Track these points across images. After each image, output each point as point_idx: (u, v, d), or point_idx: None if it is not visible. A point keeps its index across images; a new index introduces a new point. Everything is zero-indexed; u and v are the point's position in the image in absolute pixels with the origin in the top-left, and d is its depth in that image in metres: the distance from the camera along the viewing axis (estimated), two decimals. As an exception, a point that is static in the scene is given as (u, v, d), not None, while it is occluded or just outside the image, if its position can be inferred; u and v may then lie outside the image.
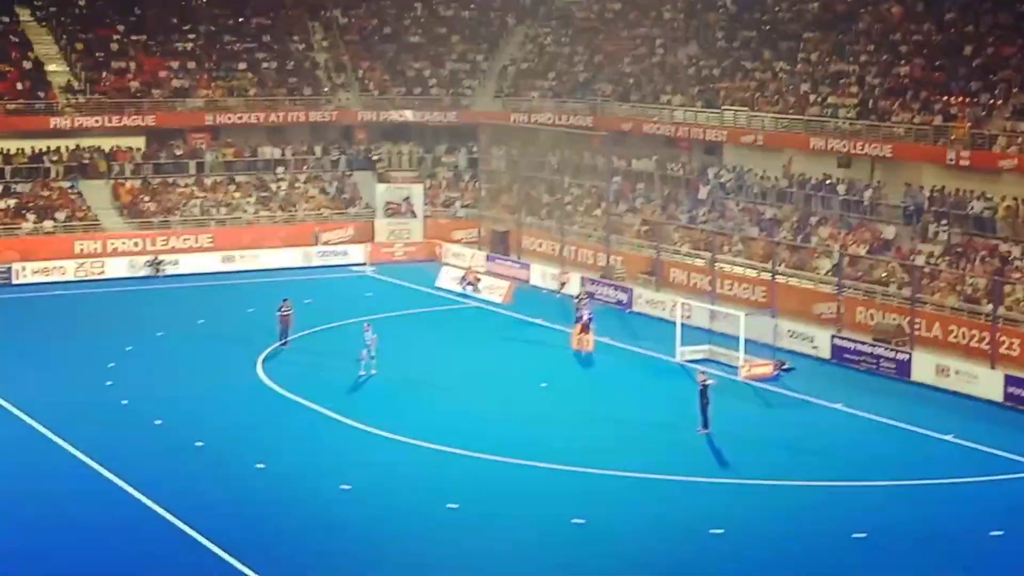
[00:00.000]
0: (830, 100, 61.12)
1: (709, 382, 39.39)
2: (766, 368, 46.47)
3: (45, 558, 30.13)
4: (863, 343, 48.24)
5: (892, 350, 47.24)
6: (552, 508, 33.43)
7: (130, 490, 34.09)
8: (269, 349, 48.69)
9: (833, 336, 49.14)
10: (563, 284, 59.58)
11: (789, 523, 32.85)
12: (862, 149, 57.88)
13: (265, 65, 74.89)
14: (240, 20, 77.18)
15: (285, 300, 49.82)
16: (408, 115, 74.66)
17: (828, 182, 59.89)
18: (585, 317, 50.02)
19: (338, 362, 46.81)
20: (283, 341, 49.30)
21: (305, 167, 72.87)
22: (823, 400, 43.52)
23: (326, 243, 67.10)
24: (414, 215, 69.37)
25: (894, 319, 49.98)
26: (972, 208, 53.97)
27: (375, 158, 74.45)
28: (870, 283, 53.12)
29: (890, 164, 58.22)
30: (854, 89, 61.00)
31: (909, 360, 46.40)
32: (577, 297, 53.81)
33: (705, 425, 39.14)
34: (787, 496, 34.81)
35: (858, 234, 56.69)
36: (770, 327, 48.17)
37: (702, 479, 35.94)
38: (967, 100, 55.96)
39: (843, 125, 59.34)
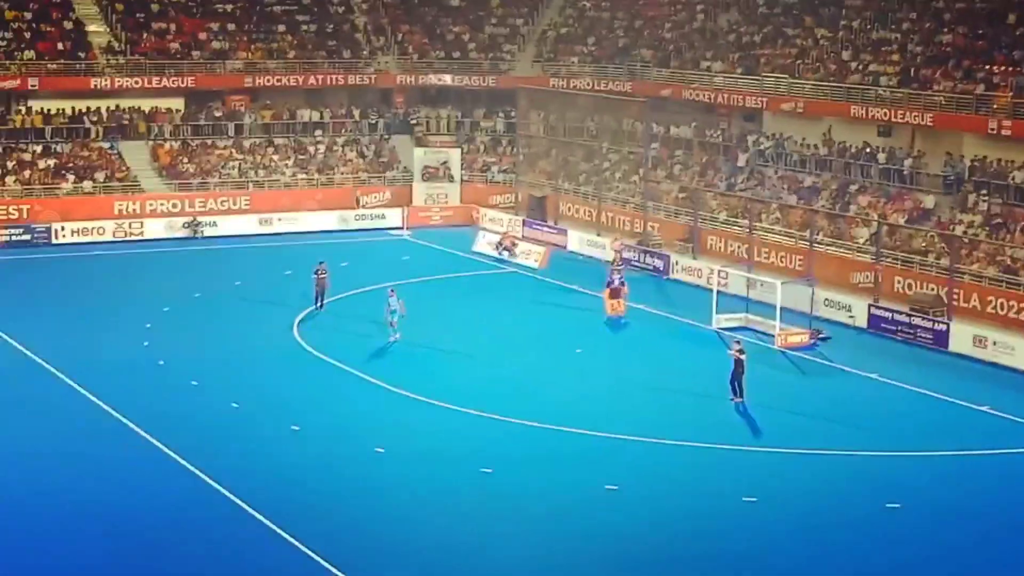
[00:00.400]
0: (871, 68, 60.66)
1: (743, 356, 39.18)
2: (802, 337, 46.34)
3: (80, 518, 30.38)
4: (900, 313, 48.02)
5: (929, 320, 47.02)
6: (585, 474, 33.50)
7: (166, 450, 34.32)
8: (305, 312, 48.83)
9: (870, 305, 48.92)
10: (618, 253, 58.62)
11: (822, 492, 32.82)
12: (903, 118, 57.46)
13: (304, 27, 74.85)
14: (280, -18, 77.15)
15: (321, 263, 49.92)
16: (447, 79, 74.54)
17: (868, 150, 59.53)
18: (616, 282, 50.08)
19: (373, 326, 46.89)
20: (319, 304, 49.42)
21: (343, 130, 72.89)
22: (859, 370, 43.38)
23: (364, 206, 67.16)
24: (452, 179, 69.35)
25: (932, 289, 49.74)
26: (1013, 178, 53.54)
27: (413, 122, 74.40)
28: (908, 252, 52.83)
29: (931, 133, 57.78)
30: (895, 57, 60.52)
31: (947, 331, 46.17)
32: (612, 262, 53.70)
33: (738, 394, 39.05)
34: (821, 465, 34.76)
35: (897, 203, 56.36)
36: (807, 296, 47.99)
37: (736, 447, 35.91)
38: (1010, 69, 55.43)
39: (884, 93, 58.90)
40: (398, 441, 35.53)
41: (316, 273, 49.63)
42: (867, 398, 40.91)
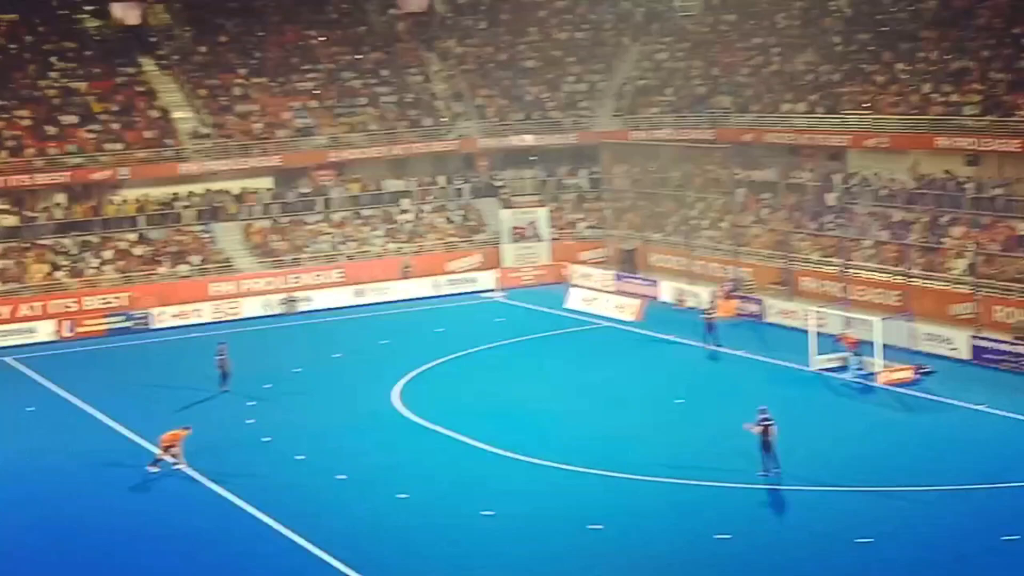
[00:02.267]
0: (953, 98, 60.27)
1: (769, 426, 36.87)
2: (906, 372, 45.89)
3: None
4: (1004, 342, 47.47)
5: (1034, 347, 46.46)
6: (694, 524, 33.36)
7: (276, 525, 34.54)
8: (405, 380, 49.05)
9: (972, 336, 48.41)
10: (681, 300, 59.74)
11: (937, 528, 32.42)
12: (989, 146, 57.00)
13: (384, 99, 75.70)
14: (358, 56, 78.07)
15: (221, 343, 49.95)
16: (528, 139, 75.01)
17: (956, 181, 59.02)
18: (729, 287, 54.88)
19: (473, 389, 47.07)
20: (225, 387, 48.87)
21: (429, 197, 73.46)
22: (966, 402, 42.88)
23: (408, 271, 67.13)
24: (540, 238, 69.63)
25: (1034, 316, 49.17)
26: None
27: (498, 184, 74.88)
28: (1006, 280, 52.25)
29: (1019, 159, 57.22)
30: (977, 85, 60.09)
31: (1051, 356, 45.62)
32: (705, 311, 53.62)
33: (767, 469, 36.59)
34: (934, 501, 34.35)
35: (991, 232, 55.80)
36: (906, 330, 47.56)
37: (847, 487, 35.57)
38: (1095, 89, 54.94)
39: (968, 122, 58.47)
40: (505, 502, 35.48)
41: (217, 355, 49.42)
42: (976, 430, 40.40)
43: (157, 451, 39.87)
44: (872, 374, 45.01)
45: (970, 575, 29.56)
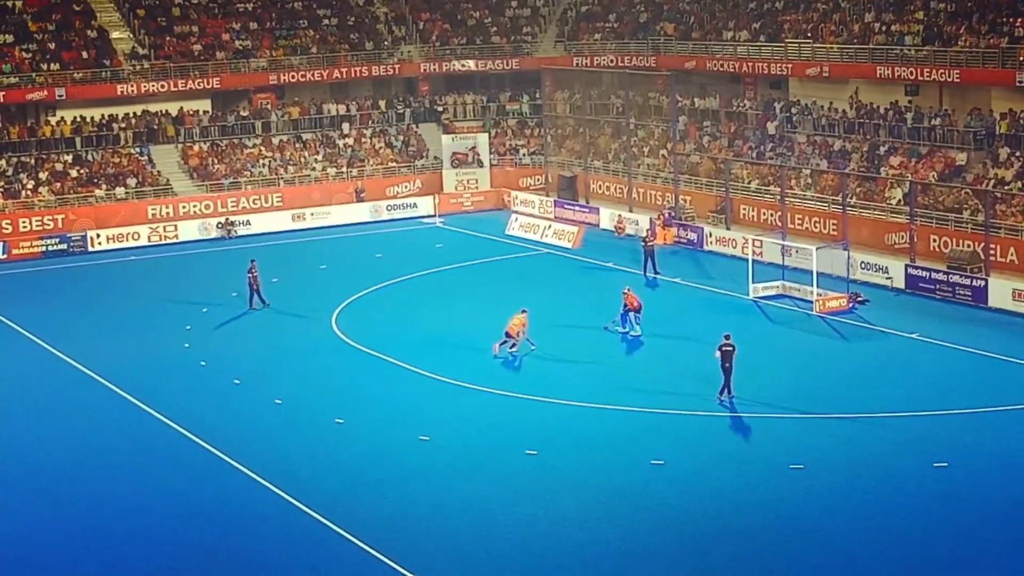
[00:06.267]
0: (895, 28, 60.34)
1: (728, 349, 37.10)
2: (840, 301, 46.22)
3: (131, 518, 30.66)
4: (938, 271, 47.88)
5: (967, 277, 46.84)
6: (630, 450, 33.55)
7: (213, 449, 34.54)
8: (343, 305, 48.97)
9: (907, 266, 48.78)
10: (621, 227, 59.96)
11: (869, 455, 32.76)
12: (929, 76, 57.18)
13: (326, 22, 75.00)
14: (299, -22, 77.30)
15: (252, 261, 49.74)
16: (470, 64, 74.58)
17: (895, 111, 59.25)
18: (667, 215, 55.94)
19: (411, 315, 47.03)
20: (252, 304, 48.99)
21: (370, 122, 73.02)
22: (899, 331, 43.28)
23: (362, 196, 66.99)
24: (481, 164, 69.43)
25: (968, 246, 49.54)
26: (1044, 130, 53.30)
27: (439, 109, 74.49)
28: (943, 211, 52.61)
29: (958, 89, 57.51)
30: (919, 15, 60.16)
31: (985, 286, 46.01)
32: (644, 239, 53.70)
33: (724, 391, 37.00)
34: (866, 428, 34.70)
35: (928, 162, 56.10)
36: (843, 260, 47.86)
37: (781, 415, 35.90)
38: (1035, 20, 55.10)
39: (909, 52, 58.60)
40: (441, 427, 35.65)
41: (249, 272, 49.29)
42: (909, 358, 40.80)
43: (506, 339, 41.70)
44: (639, 338, 43.75)
45: (901, 501, 29.88)
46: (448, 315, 47.09)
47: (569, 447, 34.01)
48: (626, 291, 44.25)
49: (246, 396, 39.34)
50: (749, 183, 60.85)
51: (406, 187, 68.61)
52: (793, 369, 39.36)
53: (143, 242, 62.22)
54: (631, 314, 43.59)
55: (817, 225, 55.15)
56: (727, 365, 36.77)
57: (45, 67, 67.21)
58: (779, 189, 56.11)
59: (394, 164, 70.24)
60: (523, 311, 42.22)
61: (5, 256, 59.84)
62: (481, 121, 74.12)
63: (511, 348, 41.68)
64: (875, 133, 59.68)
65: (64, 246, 61.08)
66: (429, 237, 62.48)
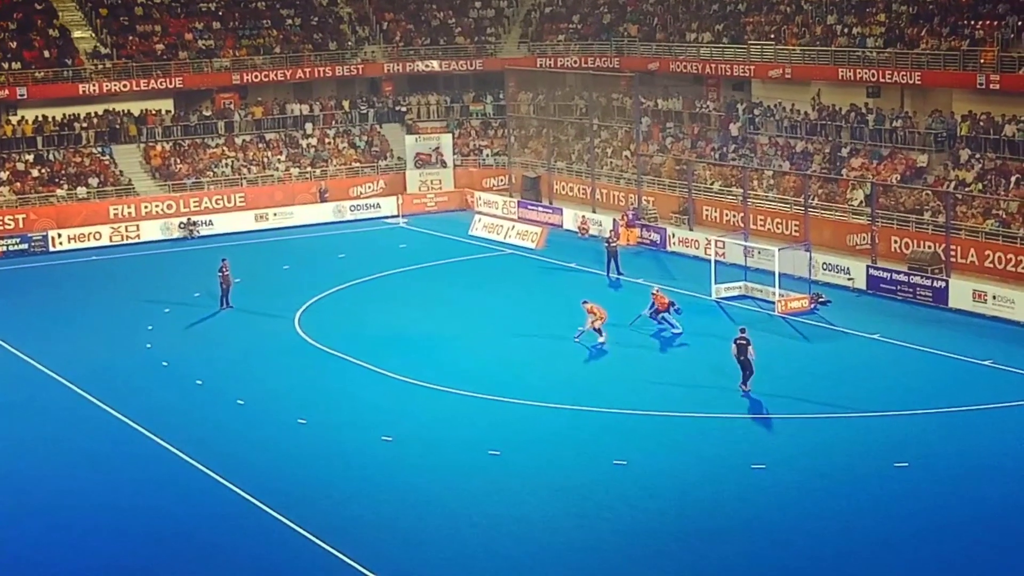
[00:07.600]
0: (856, 30, 60.66)
1: (743, 343, 37.52)
2: (802, 302, 46.41)
3: (91, 518, 30.51)
4: (899, 272, 48.13)
5: (928, 278, 47.11)
6: (593, 450, 33.59)
7: (174, 450, 34.40)
8: (305, 305, 48.89)
9: (868, 267, 49.02)
10: (584, 228, 60.04)
11: (831, 455, 32.89)
12: (891, 78, 57.50)
13: (289, 22, 74.85)
14: (262, -23, 77.11)
15: (223, 260, 49.52)
16: (434, 65, 74.55)
17: (857, 112, 59.54)
18: (630, 216, 55.92)
19: (374, 315, 46.96)
20: (224, 304, 48.94)
21: (333, 122, 72.90)
22: (860, 331, 43.50)
23: (326, 197, 66.82)
24: (444, 165, 69.42)
25: (929, 247, 49.83)
26: (1004, 132, 53.58)
27: (403, 110, 74.43)
28: (904, 212, 52.90)
29: (920, 91, 57.86)
30: (881, 17, 60.49)
31: (946, 287, 46.28)
32: (607, 240, 53.80)
33: (745, 383, 37.58)
34: (828, 428, 34.86)
35: (890, 163, 56.41)
36: (804, 261, 48.07)
37: (742, 415, 36.05)
38: (994, 23, 55.38)
39: (871, 54, 58.91)
40: (404, 428, 35.61)
41: (220, 271, 49.13)
42: (870, 359, 41.00)
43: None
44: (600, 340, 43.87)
45: (862, 500, 30.02)
46: (411, 316, 47.07)
47: (532, 447, 34.04)
48: (655, 292, 44.51)
49: (208, 396, 39.20)
50: (712, 184, 61.06)
51: (369, 187, 68.55)
52: (755, 369, 39.41)
53: (105, 242, 61.90)
54: (667, 313, 43.85)
55: (779, 226, 55.38)
56: (742, 358, 37.24)
57: (6, 66, 66.77)
58: (742, 190, 56.31)
59: (358, 164, 70.17)
60: (585, 302, 43.12)
61: (-35, 256, 59.58)
62: (445, 122, 74.09)
63: (600, 338, 42.47)
64: (837, 135, 59.97)
65: (25, 246, 60.71)
66: (392, 237, 62.40)
